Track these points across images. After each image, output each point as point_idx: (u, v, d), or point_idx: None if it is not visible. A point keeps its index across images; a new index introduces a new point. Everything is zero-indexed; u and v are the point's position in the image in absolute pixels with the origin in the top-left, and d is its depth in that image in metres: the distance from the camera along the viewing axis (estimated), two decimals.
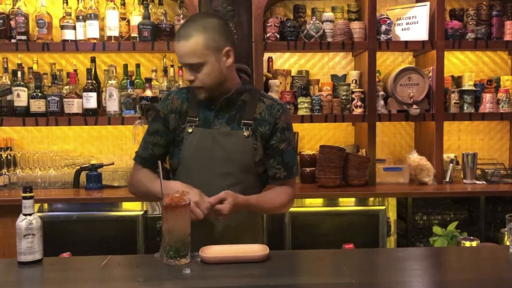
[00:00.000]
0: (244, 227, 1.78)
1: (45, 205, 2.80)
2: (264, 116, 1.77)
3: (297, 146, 3.32)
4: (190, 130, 1.75)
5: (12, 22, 3.02)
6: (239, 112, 1.77)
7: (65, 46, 3.01)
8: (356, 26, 3.11)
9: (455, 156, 3.21)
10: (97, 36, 3.04)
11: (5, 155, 3.07)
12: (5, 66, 3.06)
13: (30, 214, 1.48)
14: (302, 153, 3.22)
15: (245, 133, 1.74)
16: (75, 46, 3.01)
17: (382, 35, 3.12)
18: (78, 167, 3.04)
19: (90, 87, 3.02)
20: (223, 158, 1.73)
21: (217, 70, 1.69)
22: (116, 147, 3.36)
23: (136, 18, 3.08)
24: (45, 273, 1.46)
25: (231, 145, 1.73)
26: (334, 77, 3.31)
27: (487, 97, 3.17)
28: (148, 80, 3.04)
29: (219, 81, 1.71)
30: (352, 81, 3.22)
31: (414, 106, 3.09)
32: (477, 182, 3.11)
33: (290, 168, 1.81)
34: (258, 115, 1.77)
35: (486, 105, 3.17)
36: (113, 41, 3.04)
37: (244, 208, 1.68)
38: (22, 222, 1.47)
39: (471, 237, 1.84)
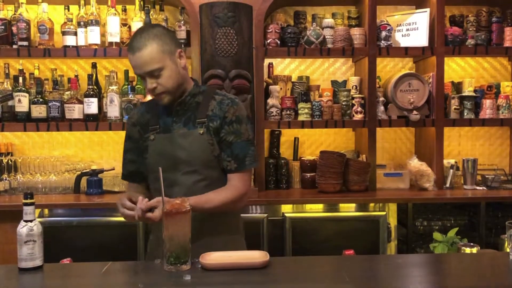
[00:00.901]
0: (218, 223, 1.82)
1: (46, 211, 2.80)
2: (216, 111, 1.83)
3: (297, 151, 3.33)
4: (152, 138, 1.85)
5: (14, 28, 3.03)
6: (193, 113, 1.84)
7: (67, 52, 3.03)
8: (356, 32, 3.12)
9: (456, 162, 3.21)
10: (98, 42, 3.05)
11: (6, 160, 3.07)
12: (7, 71, 3.07)
13: (31, 221, 1.49)
14: (302, 158, 3.23)
15: (199, 131, 1.81)
16: (76, 51, 3.03)
17: (382, 41, 3.13)
18: (79, 173, 3.05)
19: (91, 92, 3.03)
20: (185, 157, 1.79)
21: (176, 72, 1.78)
22: (117, 152, 3.36)
23: (137, 24, 3.08)
24: (45, 280, 1.46)
25: (189, 144, 1.80)
26: (334, 83, 3.32)
27: (487, 103, 3.17)
28: None
29: (179, 82, 1.79)
30: (353, 87, 3.23)
31: (414, 112, 3.10)
32: (478, 188, 3.11)
33: (241, 160, 1.83)
34: (210, 112, 1.83)
35: (486, 111, 3.18)
36: (114, 47, 3.05)
37: None
38: (23, 228, 1.47)
39: (471, 244, 1.84)
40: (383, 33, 3.13)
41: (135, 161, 1.94)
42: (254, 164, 1.86)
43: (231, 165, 1.82)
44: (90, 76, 3.07)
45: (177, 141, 1.81)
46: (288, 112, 3.09)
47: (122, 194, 1.86)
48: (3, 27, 3.01)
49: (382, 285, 1.43)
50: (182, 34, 3.09)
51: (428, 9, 3.16)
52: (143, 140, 1.89)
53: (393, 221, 2.88)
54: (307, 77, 3.37)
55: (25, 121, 3.01)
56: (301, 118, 3.10)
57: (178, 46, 1.81)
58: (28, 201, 1.49)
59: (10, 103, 3.02)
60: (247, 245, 1.93)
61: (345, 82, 3.30)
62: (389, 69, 3.48)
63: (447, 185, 3.14)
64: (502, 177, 3.22)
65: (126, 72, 3.14)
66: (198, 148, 1.80)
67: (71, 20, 3.07)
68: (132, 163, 1.95)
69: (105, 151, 3.37)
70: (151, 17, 3.08)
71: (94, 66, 3.18)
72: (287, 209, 2.86)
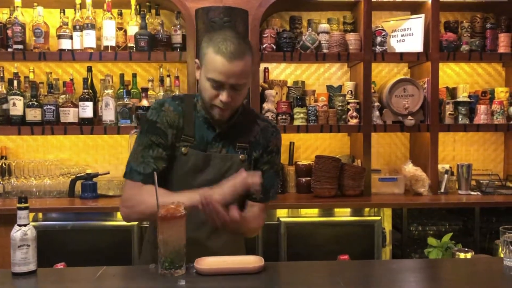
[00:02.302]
0: (225, 244, 1.73)
1: (40, 215, 2.79)
2: (259, 139, 1.73)
3: (292, 156, 3.33)
4: (184, 151, 1.65)
5: (9, 31, 3.02)
6: (234, 135, 1.71)
7: (62, 56, 3.02)
8: (351, 37, 3.14)
9: (450, 167, 3.22)
10: (94, 45, 3.05)
11: (0, 164, 3.06)
12: (1, 75, 3.07)
13: (25, 225, 1.47)
14: (297, 163, 3.23)
15: (240, 158, 1.70)
16: (72, 55, 3.02)
17: (378, 47, 3.15)
18: (74, 176, 3.04)
19: (86, 96, 3.02)
20: (216, 181, 1.63)
21: (247, 90, 1.70)
22: (112, 156, 3.36)
23: (133, 28, 3.09)
24: (39, 285, 1.45)
25: (226, 169, 1.67)
26: (329, 87, 3.32)
27: (481, 108, 3.19)
28: (145, 89, 3.04)
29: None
30: (348, 92, 3.24)
31: (409, 117, 3.11)
32: (472, 193, 3.13)
33: (267, 192, 1.75)
34: (253, 139, 1.73)
35: (481, 116, 3.19)
36: (109, 50, 3.05)
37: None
38: (16, 233, 1.46)
39: (466, 249, 1.84)
40: (378, 39, 3.15)
41: (166, 159, 1.65)
42: (275, 197, 1.80)
43: (257, 194, 1.72)
44: (85, 80, 3.06)
45: (214, 162, 1.67)
46: (283, 116, 3.09)
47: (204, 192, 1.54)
48: None
49: None
50: (177, 38, 3.09)
51: (423, 15, 3.18)
52: (173, 148, 1.66)
53: (388, 226, 2.88)
54: (303, 82, 3.38)
55: (20, 125, 2.99)
56: (296, 122, 3.10)
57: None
58: (22, 205, 1.48)
59: (4, 106, 3.01)
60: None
61: (340, 87, 3.31)
62: (384, 74, 3.49)
63: (442, 190, 3.15)
64: (496, 182, 3.24)
65: (122, 76, 3.14)
66: (233, 174, 1.64)
67: (67, 24, 3.06)
68: (163, 161, 1.64)
69: (100, 155, 3.36)
70: (147, 21, 3.08)
71: (89, 70, 3.18)
72: (282, 214, 2.86)
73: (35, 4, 3.07)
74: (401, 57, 3.17)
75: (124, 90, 3.06)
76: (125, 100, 3.02)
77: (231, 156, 1.69)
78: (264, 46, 3.08)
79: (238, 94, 1.61)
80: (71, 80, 3.15)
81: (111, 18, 3.05)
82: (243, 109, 1.74)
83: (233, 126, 1.71)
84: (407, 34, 3.22)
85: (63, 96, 3.10)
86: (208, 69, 1.59)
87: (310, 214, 2.89)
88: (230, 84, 1.57)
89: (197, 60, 1.67)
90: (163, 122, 1.66)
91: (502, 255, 1.58)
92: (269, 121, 1.82)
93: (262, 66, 3.26)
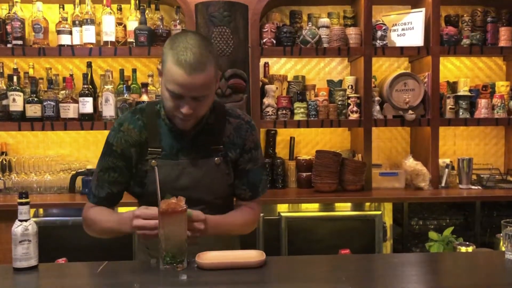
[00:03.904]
0: (217, 241, 1.67)
1: (41, 210, 2.79)
2: (233, 139, 1.66)
3: (293, 151, 3.33)
4: (154, 164, 1.59)
5: (8, 27, 3.01)
6: (206, 137, 1.63)
7: (61, 51, 3.01)
8: (352, 32, 3.13)
9: (451, 161, 3.22)
10: (94, 41, 3.04)
11: (0, 160, 3.06)
12: (1, 70, 3.06)
13: (26, 220, 1.48)
14: (298, 158, 3.23)
15: (216, 161, 1.63)
16: (71, 51, 3.01)
17: (378, 41, 3.14)
18: (74, 172, 3.04)
19: (86, 92, 3.01)
20: (192, 187, 1.60)
21: (213, 98, 1.57)
22: None
23: (132, 23, 3.08)
24: (40, 280, 1.45)
25: (202, 175, 1.61)
26: (330, 82, 3.32)
27: (482, 102, 3.19)
28: (145, 85, 3.04)
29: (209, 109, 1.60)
30: (348, 86, 3.23)
31: (410, 112, 3.10)
32: (473, 187, 3.13)
33: (256, 188, 1.72)
34: (226, 139, 1.66)
35: (481, 111, 3.19)
36: (109, 46, 3.04)
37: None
38: (17, 228, 1.46)
39: (467, 243, 1.84)
40: (379, 33, 3.14)
41: (122, 183, 1.64)
42: (265, 190, 1.76)
43: (245, 193, 1.70)
44: (85, 75, 3.05)
45: (187, 170, 1.60)
46: (284, 111, 3.09)
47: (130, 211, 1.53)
48: None
49: (379, 284, 1.43)
50: None
51: (423, 9, 3.17)
52: (142, 164, 1.62)
53: (388, 221, 2.88)
54: (303, 77, 3.37)
55: (20, 121, 2.99)
56: (297, 117, 3.10)
57: (218, 67, 1.55)
58: (23, 200, 1.48)
59: (4, 102, 3.01)
60: (243, 245, 1.90)
61: (340, 81, 3.31)
62: (385, 68, 3.48)
63: (443, 184, 3.15)
64: (497, 176, 3.24)
65: (121, 71, 3.13)
66: (212, 179, 1.62)
67: (66, 19, 3.05)
68: (118, 185, 1.64)
69: (100, 151, 3.34)
70: (146, 16, 3.07)
71: (89, 65, 3.17)
72: (283, 209, 2.86)
73: None
74: (401, 51, 3.17)
75: (124, 85, 3.05)
76: (125, 96, 3.02)
77: (205, 161, 1.62)
78: (264, 40, 3.07)
79: (201, 104, 1.52)
80: (71, 75, 3.14)
81: (110, 13, 3.04)
82: (213, 108, 1.65)
83: (203, 128, 1.63)
84: (408, 28, 3.21)
85: (63, 91, 3.10)
86: (167, 80, 1.49)
87: (311, 209, 2.89)
88: (191, 96, 1.48)
89: (159, 66, 1.57)
90: (121, 143, 1.62)
91: (503, 249, 1.58)
92: (242, 117, 1.71)
93: (262, 60, 3.25)
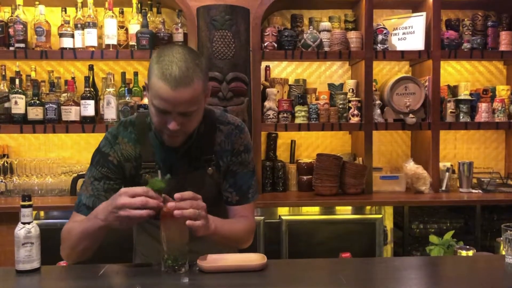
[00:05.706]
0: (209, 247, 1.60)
1: (42, 213, 2.79)
2: (224, 146, 1.62)
3: (294, 154, 3.33)
4: (148, 178, 1.55)
5: (11, 30, 3.03)
6: (197, 147, 1.60)
7: (63, 54, 3.02)
8: (353, 35, 3.14)
9: (451, 165, 3.23)
10: (95, 44, 3.05)
11: (2, 162, 3.06)
12: (3, 73, 3.07)
13: (28, 223, 1.48)
14: (299, 161, 3.23)
15: (208, 171, 1.60)
16: (73, 54, 3.02)
17: (379, 45, 3.15)
18: (75, 175, 3.04)
19: (88, 94, 3.02)
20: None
21: (202, 113, 1.52)
22: None
23: (134, 27, 3.09)
24: (43, 282, 1.46)
25: (197, 187, 1.52)
26: (331, 86, 3.33)
27: (482, 106, 3.19)
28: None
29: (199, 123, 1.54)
30: (349, 90, 3.24)
31: (411, 115, 3.11)
32: (473, 191, 3.13)
33: (243, 193, 1.65)
34: (218, 147, 1.62)
35: (482, 115, 3.19)
36: (111, 49, 3.05)
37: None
38: (20, 230, 1.47)
39: (467, 246, 1.84)
40: (380, 37, 3.15)
41: (118, 190, 1.49)
42: (256, 196, 1.70)
43: (232, 197, 1.64)
44: (87, 78, 3.06)
45: (181, 183, 1.55)
46: (285, 115, 3.10)
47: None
48: (0, 29, 3.01)
49: (379, 287, 1.43)
50: (179, 37, 3.10)
51: (424, 13, 3.18)
52: (136, 177, 1.58)
53: (389, 224, 2.89)
54: (304, 80, 3.38)
55: (22, 123, 3.00)
56: (298, 121, 3.11)
57: (207, 81, 1.50)
58: (26, 203, 1.49)
59: (6, 105, 3.02)
60: (243, 248, 1.90)
61: (341, 85, 3.32)
62: (386, 72, 3.49)
63: (443, 188, 3.15)
64: (497, 180, 3.24)
65: (123, 74, 3.14)
66: (206, 190, 1.57)
67: (68, 22, 3.06)
68: (115, 192, 1.47)
69: None
70: (148, 19, 3.08)
71: (91, 68, 3.18)
72: (283, 212, 2.87)
73: (37, 2, 3.08)
74: (402, 55, 3.18)
75: (126, 88, 3.06)
76: (126, 99, 3.03)
77: (199, 173, 1.60)
78: (265, 44, 3.08)
79: (189, 120, 1.46)
80: (73, 78, 3.15)
81: (112, 16, 3.06)
82: (204, 117, 1.57)
83: (194, 140, 1.60)
84: (409, 32, 3.22)
85: (64, 94, 3.11)
86: (153, 95, 1.43)
87: (311, 212, 2.90)
88: (177, 112, 1.43)
89: (146, 81, 1.51)
90: (118, 156, 1.59)
91: (503, 253, 1.58)
92: (232, 121, 1.66)
93: (263, 64, 3.26)
